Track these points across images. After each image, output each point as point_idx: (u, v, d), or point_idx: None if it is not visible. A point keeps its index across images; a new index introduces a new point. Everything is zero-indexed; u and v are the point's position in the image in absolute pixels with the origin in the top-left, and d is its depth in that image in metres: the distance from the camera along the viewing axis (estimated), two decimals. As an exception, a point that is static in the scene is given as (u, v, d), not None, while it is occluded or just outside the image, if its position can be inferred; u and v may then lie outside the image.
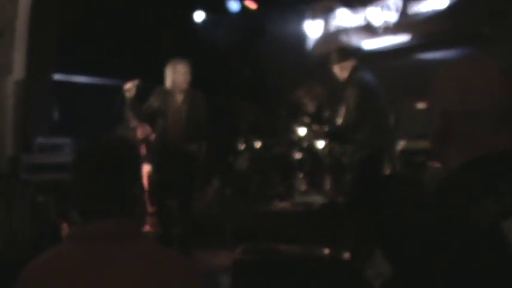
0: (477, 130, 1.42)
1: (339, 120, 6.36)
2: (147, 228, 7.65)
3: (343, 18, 9.91)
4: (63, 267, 1.75)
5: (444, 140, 1.47)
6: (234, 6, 10.69)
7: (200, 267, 1.92)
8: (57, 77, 9.35)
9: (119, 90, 6.45)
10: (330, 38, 10.08)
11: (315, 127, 7.47)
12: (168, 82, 6.40)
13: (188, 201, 6.54)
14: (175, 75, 6.36)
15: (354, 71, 6.13)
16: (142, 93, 6.41)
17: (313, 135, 7.71)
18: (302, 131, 8.08)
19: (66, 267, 1.74)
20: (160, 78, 6.50)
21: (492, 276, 1.24)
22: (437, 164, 6.08)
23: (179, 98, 6.38)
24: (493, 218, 1.25)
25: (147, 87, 6.42)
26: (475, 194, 1.31)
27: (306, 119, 8.01)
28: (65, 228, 6.04)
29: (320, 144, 7.87)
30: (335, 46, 9.35)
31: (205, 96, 6.55)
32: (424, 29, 8.75)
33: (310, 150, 8.03)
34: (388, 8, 9.22)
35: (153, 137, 6.71)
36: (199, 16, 11.01)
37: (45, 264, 1.80)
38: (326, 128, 7.15)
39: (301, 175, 8.20)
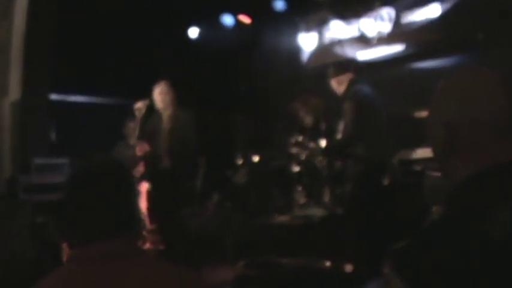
0: (481, 140, 1.41)
1: (339, 135, 6.35)
2: (147, 246, 7.63)
3: (337, 30, 9.94)
4: None
5: (448, 152, 1.46)
6: (228, 20, 10.73)
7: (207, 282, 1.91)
8: (54, 96, 9.34)
9: (118, 108, 6.57)
10: (324, 50, 10.11)
11: (311, 144, 7.44)
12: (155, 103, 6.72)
13: (177, 219, 6.60)
14: (155, 96, 6.66)
15: (350, 84, 6.14)
16: (151, 113, 6.60)
17: (309, 154, 7.68)
18: (295, 150, 8.11)
19: None
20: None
21: None
22: (435, 173, 6.07)
23: (165, 117, 6.58)
24: (507, 230, 1.25)
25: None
26: (486, 207, 1.30)
27: (299, 137, 8.01)
28: (65, 248, 6.02)
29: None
30: (330, 58, 9.42)
31: (192, 114, 6.68)
32: (418, 38, 8.78)
33: (309, 163, 8.02)
34: (382, 19, 9.25)
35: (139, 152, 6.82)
36: (193, 32, 11.05)
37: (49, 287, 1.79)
38: (323, 144, 7.13)
39: (299, 188, 8.18)
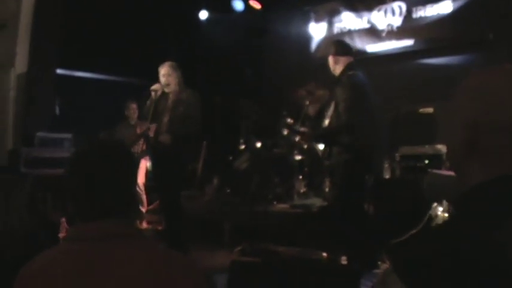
0: (504, 145, 1.32)
1: (326, 121, 6.13)
2: (144, 225, 7.66)
3: (348, 21, 9.91)
4: (64, 269, 1.74)
5: (466, 153, 1.37)
6: (238, 5, 10.69)
7: (199, 266, 1.91)
8: (60, 71, 9.35)
9: (123, 86, 6.53)
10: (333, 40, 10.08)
11: (302, 129, 7.30)
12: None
13: (170, 199, 6.55)
14: (160, 77, 6.58)
15: (347, 68, 5.90)
16: (164, 96, 6.56)
17: (301, 138, 7.58)
18: (284, 132, 8.08)
19: (67, 269, 1.73)
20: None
21: None
22: (436, 170, 6.04)
23: (170, 98, 6.51)
24: None
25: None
26: (500, 216, 1.23)
27: (288, 121, 7.96)
28: (63, 223, 6.03)
29: (320, 146, 7.83)
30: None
31: (197, 96, 6.61)
32: (428, 34, 8.76)
33: (310, 152, 8.00)
34: (393, 12, 9.23)
35: (151, 133, 6.74)
36: (203, 15, 11.02)
37: (45, 265, 1.79)
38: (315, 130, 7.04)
39: (300, 177, 8.19)
